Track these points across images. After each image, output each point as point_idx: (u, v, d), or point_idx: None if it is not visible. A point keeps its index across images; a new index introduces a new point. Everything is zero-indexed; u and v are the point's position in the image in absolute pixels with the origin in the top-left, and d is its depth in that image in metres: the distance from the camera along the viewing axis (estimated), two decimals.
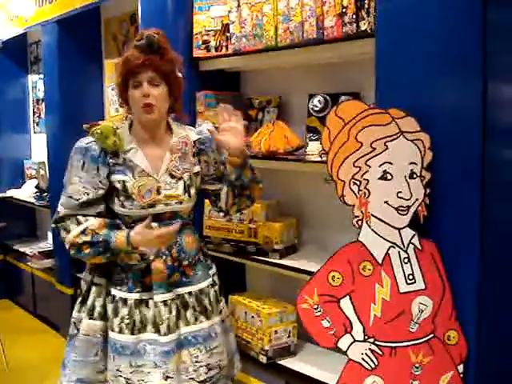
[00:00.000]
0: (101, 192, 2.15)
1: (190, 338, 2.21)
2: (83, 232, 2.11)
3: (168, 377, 2.14)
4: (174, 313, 2.19)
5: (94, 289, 2.24)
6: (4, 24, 5.35)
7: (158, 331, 2.15)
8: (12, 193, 5.52)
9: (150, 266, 2.17)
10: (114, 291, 2.20)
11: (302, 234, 2.95)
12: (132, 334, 2.15)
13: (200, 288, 2.27)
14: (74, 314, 2.27)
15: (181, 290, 2.23)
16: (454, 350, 1.97)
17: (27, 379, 3.82)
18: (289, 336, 2.75)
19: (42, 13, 4.56)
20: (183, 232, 2.24)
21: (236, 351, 2.47)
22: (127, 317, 2.17)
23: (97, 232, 2.10)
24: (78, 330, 2.24)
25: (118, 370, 2.16)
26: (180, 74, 2.22)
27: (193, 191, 2.23)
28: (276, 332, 2.71)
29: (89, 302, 2.23)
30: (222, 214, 2.45)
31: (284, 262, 2.72)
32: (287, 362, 2.71)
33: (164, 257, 2.18)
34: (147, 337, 2.16)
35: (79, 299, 2.28)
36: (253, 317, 2.76)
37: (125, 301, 2.18)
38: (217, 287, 2.37)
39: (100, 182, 2.14)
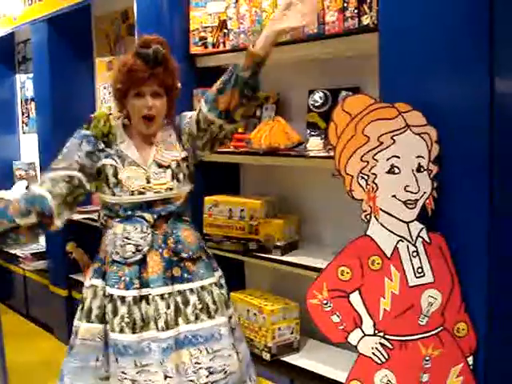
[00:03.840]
0: (75, 165, 2.11)
1: (190, 337, 2.12)
2: None
3: (167, 376, 2.06)
4: (172, 308, 2.12)
5: (89, 291, 2.19)
6: None
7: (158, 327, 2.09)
8: (1, 194, 5.45)
9: (147, 259, 2.13)
10: (111, 290, 2.13)
11: (302, 230, 2.94)
12: (133, 332, 2.08)
13: (202, 285, 2.19)
14: (75, 322, 2.22)
15: (182, 287, 2.16)
16: (463, 342, 1.98)
17: (22, 382, 3.77)
18: (292, 332, 2.75)
19: (31, 11, 4.51)
20: (178, 225, 2.20)
21: (250, 362, 2.34)
22: (127, 315, 2.09)
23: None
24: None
25: (122, 372, 2.07)
26: (179, 84, 2.24)
27: (181, 176, 2.19)
28: (279, 329, 2.71)
29: (85, 305, 2.18)
30: (220, 122, 2.17)
31: (286, 258, 2.72)
32: (291, 359, 2.71)
33: (160, 250, 2.14)
34: (150, 334, 2.08)
35: (79, 307, 2.23)
36: (255, 314, 2.75)
37: (123, 299, 2.11)
38: (224, 290, 2.28)
39: (79, 156, 2.12)
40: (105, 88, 4.39)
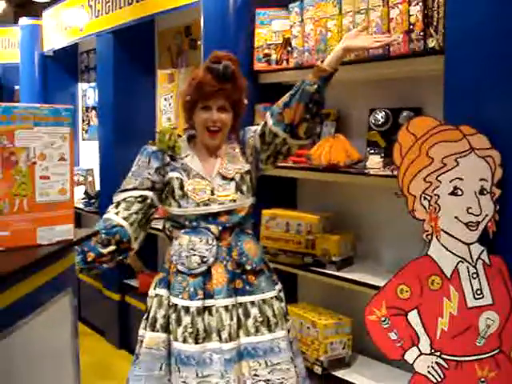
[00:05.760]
0: (147, 183, 2.22)
1: (250, 349, 2.17)
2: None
3: None
4: (234, 320, 2.16)
5: (155, 300, 2.25)
6: (56, 33, 5.49)
7: (221, 339, 2.14)
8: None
9: (211, 271, 2.18)
10: (175, 300, 2.19)
11: (357, 247, 2.97)
12: (196, 343, 2.13)
13: (263, 298, 2.23)
14: (140, 331, 2.27)
15: (243, 299, 2.21)
16: None
17: None
18: (344, 348, 2.77)
19: (97, 23, 4.68)
20: (242, 238, 2.25)
21: (306, 376, 2.38)
22: (190, 325, 2.14)
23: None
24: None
25: (183, 382, 2.12)
26: (246, 101, 2.32)
27: (244, 188, 2.27)
28: (332, 343, 2.74)
29: (150, 315, 2.23)
30: (284, 136, 2.25)
31: (341, 274, 2.75)
32: (342, 374, 2.73)
33: (225, 262, 2.20)
34: (213, 346, 2.12)
35: (144, 316, 2.29)
36: (308, 327, 2.79)
37: (187, 309, 2.16)
38: (283, 304, 2.32)
39: (149, 173, 2.23)
40: (165, 99, 4.50)
